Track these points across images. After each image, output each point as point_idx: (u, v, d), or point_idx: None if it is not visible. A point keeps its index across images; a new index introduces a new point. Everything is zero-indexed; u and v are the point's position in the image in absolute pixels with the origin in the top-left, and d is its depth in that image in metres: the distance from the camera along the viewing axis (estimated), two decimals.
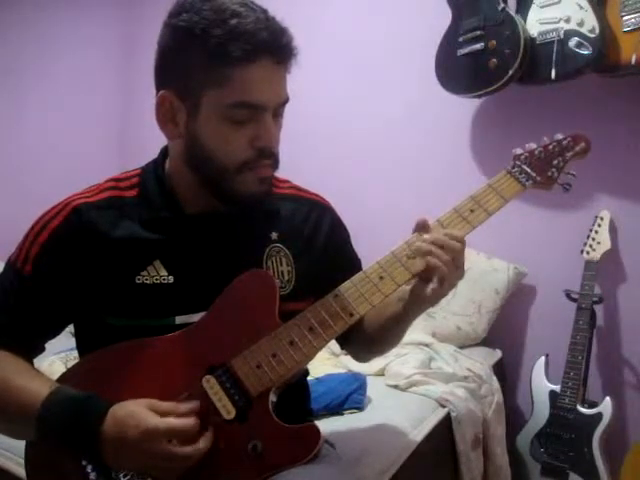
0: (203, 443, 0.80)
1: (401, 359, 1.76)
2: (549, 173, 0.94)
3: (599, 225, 1.82)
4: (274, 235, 0.98)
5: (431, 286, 0.86)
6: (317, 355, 0.90)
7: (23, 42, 2.57)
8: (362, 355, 1.16)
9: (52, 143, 2.69)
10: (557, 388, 1.75)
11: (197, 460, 0.79)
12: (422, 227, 0.89)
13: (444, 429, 1.53)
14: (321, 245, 1.02)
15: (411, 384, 1.64)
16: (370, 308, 0.87)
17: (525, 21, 1.78)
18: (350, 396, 1.48)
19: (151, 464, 0.78)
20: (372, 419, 1.41)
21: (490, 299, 1.98)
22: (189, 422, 0.79)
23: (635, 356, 1.88)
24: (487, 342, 2.04)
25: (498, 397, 1.80)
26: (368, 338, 1.05)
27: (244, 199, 0.89)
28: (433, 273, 0.85)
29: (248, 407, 0.84)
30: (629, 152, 1.85)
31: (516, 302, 2.06)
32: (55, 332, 0.94)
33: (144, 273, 0.89)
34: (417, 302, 0.91)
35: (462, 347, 1.98)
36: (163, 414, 0.79)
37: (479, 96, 1.92)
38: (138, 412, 0.78)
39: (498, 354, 2.03)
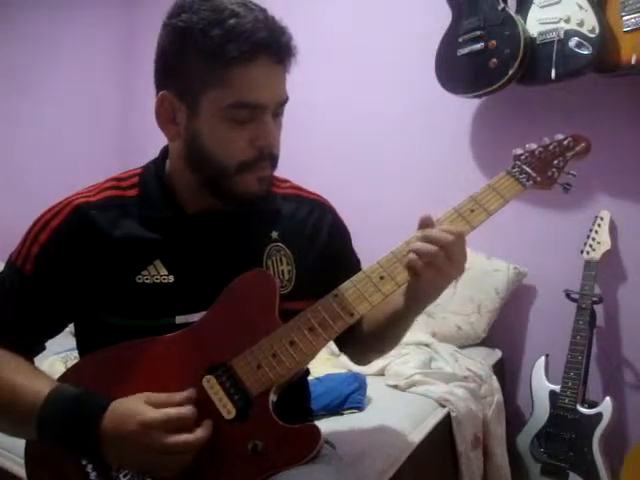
0: (202, 432, 0.79)
1: (401, 359, 1.76)
2: (549, 173, 0.94)
3: (599, 225, 1.82)
4: (274, 234, 0.98)
5: (424, 282, 0.85)
6: (317, 355, 0.90)
7: (23, 42, 2.57)
8: (361, 357, 1.15)
9: (52, 143, 2.69)
10: (557, 388, 1.75)
11: (196, 457, 0.79)
12: (426, 224, 0.89)
13: (444, 429, 1.53)
14: (321, 245, 1.02)
15: (411, 384, 1.64)
16: (370, 308, 0.87)
17: (525, 21, 1.78)
18: (350, 396, 1.48)
19: (150, 459, 0.78)
20: (372, 419, 1.41)
21: (490, 299, 1.98)
22: (185, 410, 0.79)
23: (635, 356, 1.88)
24: (487, 342, 2.04)
25: (498, 397, 1.80)
26: (367, 339, 1.05)
27: (243, 199, 0.89)
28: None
29: (248, 407, 0.83)
30: (629, 152, 1.85)
31: (516, 302, 2.06)
32: (55, 331, 0.95)
33: (144, 273, 0.89)
34: (414, 297, 0.90)
35: (462, 347, 1.98)
36: (159, 406, 0.79)
37: (479, 96, 1.92)
38: (135, 407, 0.79)
39: (498, 354, 2.03)
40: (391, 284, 0.87)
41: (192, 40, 0.82)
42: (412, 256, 0.84)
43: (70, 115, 2.76)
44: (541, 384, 1.80)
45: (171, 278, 0.90)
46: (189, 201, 0.93)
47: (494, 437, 1.70)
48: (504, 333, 2.08)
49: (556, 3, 1.72)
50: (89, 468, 0.83)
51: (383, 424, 1.38)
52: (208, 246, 0.93)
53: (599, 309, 1.84)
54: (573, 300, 1.80)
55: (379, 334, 1.03)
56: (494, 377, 1.84)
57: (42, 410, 0.80)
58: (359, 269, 0.95)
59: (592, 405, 1.72)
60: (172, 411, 0.78)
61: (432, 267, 0.83)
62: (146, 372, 0.86)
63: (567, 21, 1.69)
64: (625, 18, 1.63)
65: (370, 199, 2.28)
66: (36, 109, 2.64)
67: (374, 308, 0.88)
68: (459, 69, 1.88)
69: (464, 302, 1.99)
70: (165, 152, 0.97)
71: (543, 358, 1.84)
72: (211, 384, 0.85)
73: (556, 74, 1.70)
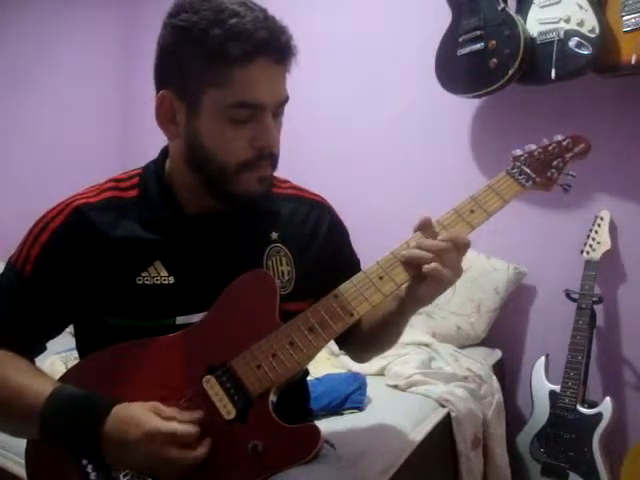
0: (202, 449, 0.80)
1: (401, 359, 1.76)
2: (549, 174, 0.94)
3: (599, 225, 1.82)
4: (274, 235, 0.98)
5: (424, 286, 0.86)
6: (317, 355, 0.91)
7: (23, 42, 2.57)
8: (361, 355, 1.16)
9: (52, 143, 2.69)
10: (557, 388, 1.75)
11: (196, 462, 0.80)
12: (425, 226, 0.89)
13: (444, 429, 1.53)
14: (321, 245, 1.02)
15: (411, 384, 1.64)
16: (370, 308, 0.87)
17: (525, 21, 1.78)
18: (350, 396, 1.48)
19: (150, 466, 0.79)
20: (372, 419, 1.41)
21: (490, 299, 1.98)
22: (190, 429, 0.80)
23: (635, 356, 1.88)
24: (487, 342, 2.04)
25: (498, 397, 1.80)
26: (365, 337, 1.05)
27: (243, 199, 0.89)
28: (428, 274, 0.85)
29: (248, 407, 0.84)
30: (629, 152, 1.85)
31: (516, 302, 2.06)
32: (56, 332, 0.95)
33: (145, 274, 0.89)
34: (412, 301, 0.91)
35: (462, 347, 1.98)
36: (166, 418, 0.79)
37: (479, 96, 1.92)
38: (141, 414, 0.79)
39: (498, 354, 2.03)
40: (391, 284, 0.87)
41: (192, 40, 0.82)
42: (426, 254, 0.84)
43: (70, 115, 2.76)
44: (541, 384, 1.80)
45: (171, 279, 0.90)
46: (189, 201, 0.93)
47: (494, 437, 1.70)
48: (504, 333, 2.08)
49: (556, 3, 1.72)
50: (89, 468, 0.83)
51: (383, 424, 1.38)
52: (208, 247, 0.93)
53: (599, 309, 1.84)
54: (573, 300, 1.80)
55: (376, 334, 1.03)
56: (494, 377, 1.84)
57: (44, 410, 0.80)
58: (359, 269, 0.95)
59: (592, 405, 1.72)
60: (177, 426, 0.79)
61: (447, 267, 0.84)
62: (146, 372, 0.87)
63: (567, 21, 1.69)
64: (625, 18, 1.63)
65: (370, 199, 2.28)
66: (36, 109, 2.64)
67: (373, 308, 0.88)
68: (459, 69, 1.88)
69: (464, 302, 1.99)
70: (165, 152, 0.97)
71: (543, 358, 1.84)
72: (211, 384, 0.85)
73: (556, 74, 1.70)
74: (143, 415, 0.79)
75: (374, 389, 1.58)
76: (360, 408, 1.48)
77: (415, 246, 0.86)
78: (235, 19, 0.80)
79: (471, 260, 1.95)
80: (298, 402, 1.06)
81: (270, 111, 0.86)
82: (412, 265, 0.86)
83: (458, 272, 0.87)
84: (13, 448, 1.28)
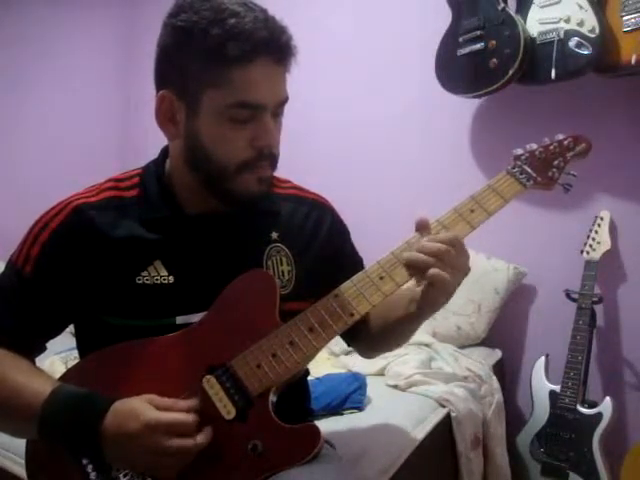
0: (203, 438, 0.80)
1: (401, 359, 1.76)
2: (550, 173, 0.94)
3: (599, 225, 1.82)
4: (274, 235, 0.98)
5: (430, 290, 0.86)
6: (317, 355, 0.90)
7: (23, 42, 2.57)
8: (369, 353, 1.16)
9: (52, 143, 2.69)
10: (557, 388, 1.75)
11: (196, 457, 0.79)
12: (422, 227, 0.89)
13: (444, 429, 1.53)
14: (321, 245, 1.02)
15: (411, 384, 1.64)
16: (370, 308, 0.87)
17: (525, 21, 1.78)
18: (350, 396, 1.48)
19: (151, 460, 0.78)
20: (372, 419, 1.41)
21: (490, 299, 1.98)
22: (189, 417, 0.79)
23: (635, 356, 1.88)
24: (487, 342, 2.04)
25: (498, 397, 1.80)
26: (376, 337, 1.05)
27: (243, 199, 0.89)
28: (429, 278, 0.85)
29: (248, 407, 0.84)
30: (629, 152, 1.85)
31: (516, 302, 2.06)
32: (56, 332, 0.95)
33: (144, 273, 0.89)
34: (427, 304, 0.90)
35: (462, 347, 1.98)
36: (164, 409, 0.79)
37: (479, 96, 1.92)
38: (139, 407, 0.79)
39: (498, 354, 2.03)
40: (391, 284, 0.87)
41: (192, 39, 0.82)
42: (428, 258, 0.84)
43: (70, 115, 2.76)
44: (541, 384, 1.80)
45: (171, 279, 0.90)
46: (189, 201, 0.93)
47: (494, 437, 1.70)
48: (504, 333, 2.08)
49: (556, 3, 1.72)
50: (89, 468, 0.83)
51: (383, 424, 1.38)
52: (208, 247, 0.93)
53: (599, 309, 1.84)
54: (573, 300, 1.80)
55: (386, 337, 1.03)
56: (494, 377, 1.84)
57: (44, 409, 0.80)
58: (361, 269, 0.95)
59: (592, 405, 1.72)
60: (178, 416, 0.79)
61: (447, 268, 0.84)
62: (146, 372, 0.87)
63: (567, 21, 1.69)
64: (625, 18, 1.63)
65: (370, 199, 2.28)
66: (36, 109, 2.64)
67: (380, 307, 0.88)
68: (459, 69, 1.88)
69: (464, 302, 1.99)
70: (165, 152, 0.97)
71: (543, 358, 1.84)
72: (211, 384, 0.85)
73: (556, 74, 1.70)
74: (141, 408, 0.79)
75: (374, 389, 1.58)
76: (360, 408, 1.48)
77: (417, 249, 0.86)
78: (235, 19, 0.80)
79: (471, 260, 1.94)
80: (298, 402, 1.06)
81: (270, 111, 0.85)
82: (415, 269, 0.86)
83: (463, 271, 0.87)
84: (13, 448, 1.28)
